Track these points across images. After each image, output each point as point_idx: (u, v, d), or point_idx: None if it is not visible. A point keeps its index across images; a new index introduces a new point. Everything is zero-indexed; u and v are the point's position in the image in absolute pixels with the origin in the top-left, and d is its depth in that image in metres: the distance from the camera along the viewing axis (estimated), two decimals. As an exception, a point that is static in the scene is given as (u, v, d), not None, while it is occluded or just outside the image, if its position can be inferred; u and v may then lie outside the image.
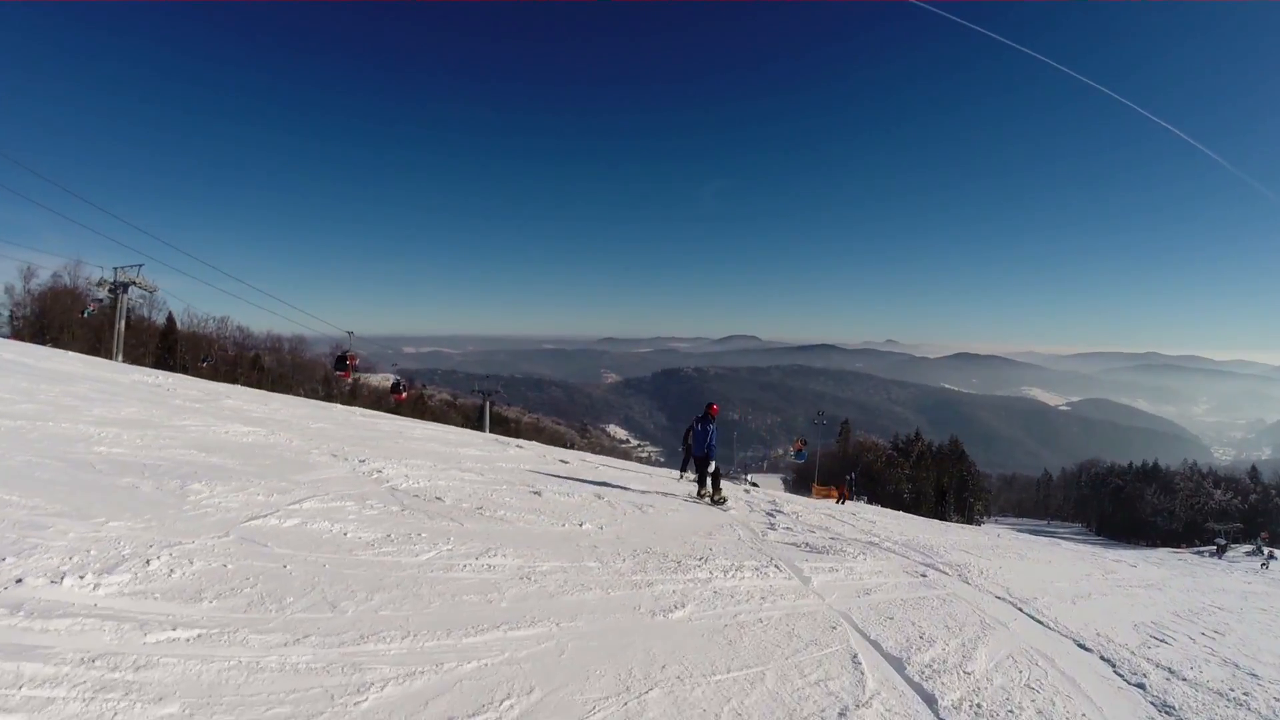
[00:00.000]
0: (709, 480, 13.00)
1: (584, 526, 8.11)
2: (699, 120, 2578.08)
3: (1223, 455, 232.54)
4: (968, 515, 77.22)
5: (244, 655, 3.40)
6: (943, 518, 58.12)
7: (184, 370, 44.28)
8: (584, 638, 4.45)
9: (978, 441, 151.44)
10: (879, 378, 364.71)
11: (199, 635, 3.52)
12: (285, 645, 3.58)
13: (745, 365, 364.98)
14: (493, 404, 50.84)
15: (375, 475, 9.10)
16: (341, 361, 37.04)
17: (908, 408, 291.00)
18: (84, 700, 2.74)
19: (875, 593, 7.06)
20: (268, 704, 2.99)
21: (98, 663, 3.04)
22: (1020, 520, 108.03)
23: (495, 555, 6.03)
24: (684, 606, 5.46)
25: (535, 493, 9.93)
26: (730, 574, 6.74)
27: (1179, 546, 68.14)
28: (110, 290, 34.22)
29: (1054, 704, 4.47)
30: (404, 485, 8.74)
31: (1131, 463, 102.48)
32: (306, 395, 46.62)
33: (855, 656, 4.85)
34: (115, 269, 33.55)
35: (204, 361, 50.95)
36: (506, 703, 3.35)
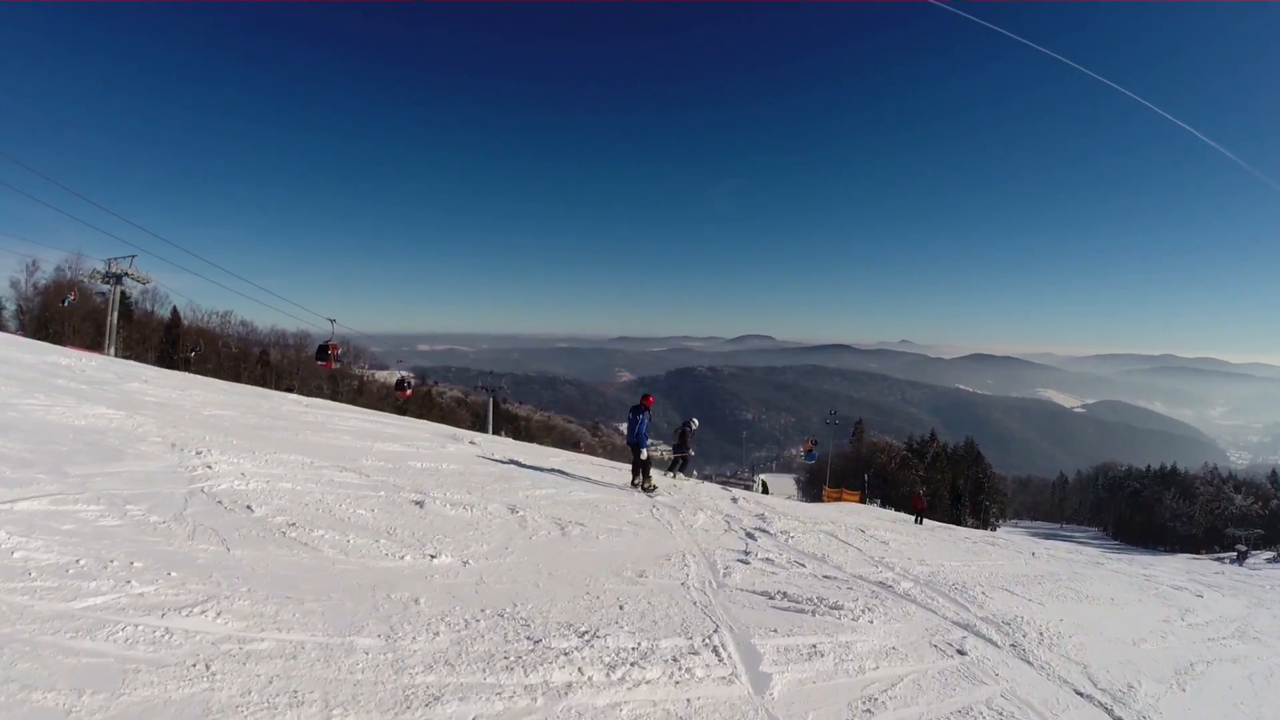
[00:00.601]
0: (639, 469, 13.08)
1: (435, 560, 5.87)
2: (714, 120, 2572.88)
3: (1239, 459, 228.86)
4: (983, 519, 75.97)
5: None
6: (958, 522, 57.05)
7: (186, 364, 43.93)
8: None
9: (992, 443, 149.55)
10: (893, 378, 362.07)
11: None
12: None
13: (759, 365, 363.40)
14: (502, 401, 50.23)
15: (200, 472, 7.54)
16: (323, 351, 35.77)
17: (922, 408, 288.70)
18: None
19: (886, 709, 4.22)
20: None
21: None
22: (1035, 524, 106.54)
23: (201, 611, 3.89)
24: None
25: (417, 503, 7.94)
26: (618, 671, 3.98)
27: (1198, 552, 66.79)
28: (104, 281, 33.63)
29: None
30: (223, 487, 7.10)
31: (1149, 466, 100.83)
32: (307, 393, 46.03)
33: None
34: (108, 260, 32.92)
35: (193, 351, 50.70)
36: None
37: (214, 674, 3.22)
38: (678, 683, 4.01)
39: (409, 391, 50.26)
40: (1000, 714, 4.44)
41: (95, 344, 36.34)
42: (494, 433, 41.51)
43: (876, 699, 4.33)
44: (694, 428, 19.07)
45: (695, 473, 29.02)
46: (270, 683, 3.23)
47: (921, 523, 26.75)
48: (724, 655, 4.58)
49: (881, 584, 7.80)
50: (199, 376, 27.45)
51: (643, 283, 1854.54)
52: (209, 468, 7.77)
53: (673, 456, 18.79)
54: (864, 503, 46.35)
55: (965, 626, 6.50)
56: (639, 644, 4.52)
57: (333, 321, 35.43)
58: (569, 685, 3.74)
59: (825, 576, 7.80)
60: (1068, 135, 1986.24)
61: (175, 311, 55.24)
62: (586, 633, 4.60)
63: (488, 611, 4.79)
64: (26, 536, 4.61)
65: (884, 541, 12.02)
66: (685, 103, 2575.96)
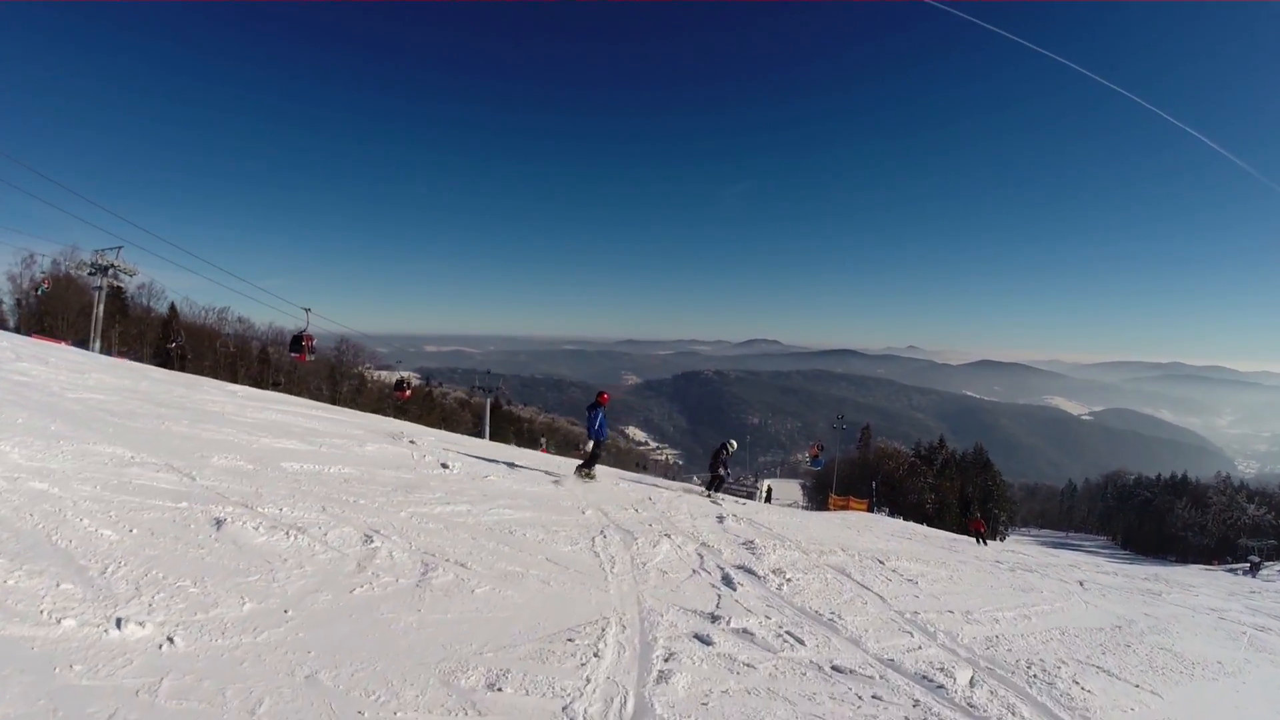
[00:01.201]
0: (590, 459, 14.03)
1: (120, 631, 3.51)
2: (723, 123, 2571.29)
3: (1247, 468, 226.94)
4: (992, 528, 74.65)
5: None
6: (964, 531, 55.92)
7: (182, 360, 43.33)
8: None
9: (999, 450, 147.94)
10: (900, 384, 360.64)
11: None
12: None
13: (766, 369, 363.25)
14: (505, 402, 49.48)
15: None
16: (297, 342, 34.08)
17: (929, 415, 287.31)
18: None
19: None
20: None
21: None
22: (1042, 532, 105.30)
23: None
24: None
25: (217, 521, 5.61)
26: None
27: (1210, 563, 65.67)
28: (90, 273, 32.97)
29: None
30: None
31: (1159, 475, 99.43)
32: (307, 394, 45.40)
33: None
34: (95, 252, 32.28)
35: (173, 342, 50.16)
36: None
37: None
38: None
39: (408, 392, 49.60)
40: None
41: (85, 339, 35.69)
42: (489, 436, 40.76)
43: None
44: (731, 449, 18.16)
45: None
46: None
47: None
48: None
49: (926, 681, 5.17)
50: (152, 368, 26.47)
51: (650, 286, 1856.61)
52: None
53: (709, 475, 17.94)
54: (872, 511, 45.31)
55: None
56: None
57: (308, 311, 33.62)
58: None
59: (835, 670, 5.11)
60: (1076, 141, 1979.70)
61: (173, 307, 54.72)
62: None
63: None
64: None
65: (911, 580, 9.63)
66: (695, 106, 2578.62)
